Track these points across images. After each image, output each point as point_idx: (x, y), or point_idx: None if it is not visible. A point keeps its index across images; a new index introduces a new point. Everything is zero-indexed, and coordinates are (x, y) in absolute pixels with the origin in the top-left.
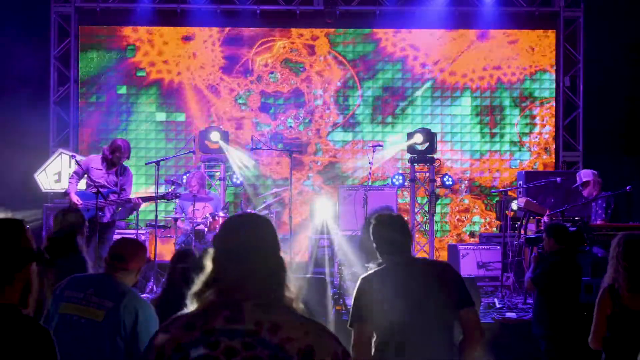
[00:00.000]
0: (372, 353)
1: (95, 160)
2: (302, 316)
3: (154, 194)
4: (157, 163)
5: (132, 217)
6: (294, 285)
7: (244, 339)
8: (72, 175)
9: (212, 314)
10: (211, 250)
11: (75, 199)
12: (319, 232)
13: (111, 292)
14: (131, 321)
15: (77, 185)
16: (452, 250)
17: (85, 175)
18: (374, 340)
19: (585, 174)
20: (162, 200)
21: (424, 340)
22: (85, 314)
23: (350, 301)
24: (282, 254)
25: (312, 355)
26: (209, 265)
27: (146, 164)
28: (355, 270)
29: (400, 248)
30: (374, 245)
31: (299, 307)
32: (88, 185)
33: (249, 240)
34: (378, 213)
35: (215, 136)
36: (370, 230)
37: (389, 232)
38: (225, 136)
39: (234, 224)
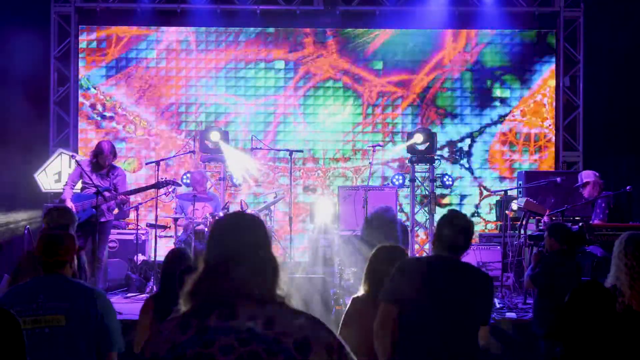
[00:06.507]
0: (396, 338)
1: (86, 164)
2: (296, 310)
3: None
4: (157, 163)
5: (132, 217)
6: (286, 282)
7: (239, 335)
8: (66, 182)
9: (206, 312)
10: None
11: (70, 205)
12: (319, 232)
13: (62, 291)
14: (90, 312)
15: (72, 190)
16: None
17: (80, 179)
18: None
19: (586, 175)
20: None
21: (447, 341)
22: (46, 323)
23: (357, 294)
24: (273, 252)
25: (309, 348)
26: (200, 265)
27: (146, 163)
28: (355, 270)
29: (451, 247)
30: (435, 234)
31: (292, 303)
32: (83, 188)
33: (239, 240)
34: (451, 209)
35: (215, 136)
36: (438, 221)
37: (450, 228)
38: (225, 136)
39: (224, 224)
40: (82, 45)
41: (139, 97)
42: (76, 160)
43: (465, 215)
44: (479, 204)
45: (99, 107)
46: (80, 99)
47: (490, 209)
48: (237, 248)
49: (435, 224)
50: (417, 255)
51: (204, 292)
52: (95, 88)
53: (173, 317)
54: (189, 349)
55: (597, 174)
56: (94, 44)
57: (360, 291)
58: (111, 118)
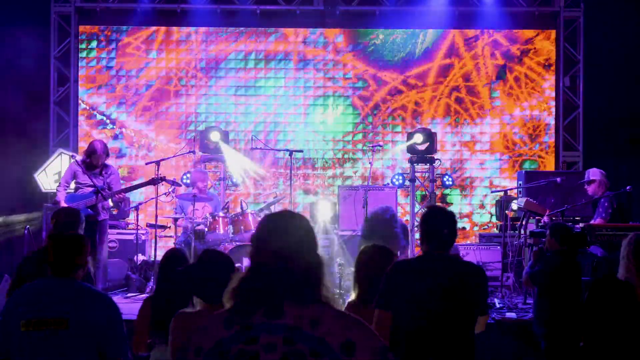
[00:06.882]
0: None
1: (79, 163)
2: (341, 311)
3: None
4: (157, 163)
5: (131, 217)
6: (331, 282)
7: (284, 333)
8: (60, 184)
9: (251, 309)
10: (249, 249)
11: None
12: (319, 232)
13: (69, 294)
14: (96, 317)
15: (65, 192)
16: (452, 250)
17: (74, 180)
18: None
19: (593, 173)
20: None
21: (444, 337)
22: (47, 325)
23: (350, 298)
24: (319, 252)
25: (354, 349)
26: (246, 262)
27: (146, 164)
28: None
29: (441, 243)
30: (420, 233)
31: (336, 304)
32: (77, 188)
33: (287, 239)
34: (431, 204)
35: (215, 136)
36: (420, 219)
37: (436, 224)
38: (225, 136)
39: (273, 223)
40: (82, 72)
41: (139, 111)
42: (75, 160)
43: (445, 208)
44: (484, 199)
45: (107, 131)
46: (85, 126)
47: (492, 207)
48: (284, 248)
49: None
50: (417, 254)
51: (250, 290)
52: (99, 112)
53: (217, 314)
54: (232, 345)
55: (604, 172)
56: (93, 72)
57: (352, 295)
58: (115, 136)
